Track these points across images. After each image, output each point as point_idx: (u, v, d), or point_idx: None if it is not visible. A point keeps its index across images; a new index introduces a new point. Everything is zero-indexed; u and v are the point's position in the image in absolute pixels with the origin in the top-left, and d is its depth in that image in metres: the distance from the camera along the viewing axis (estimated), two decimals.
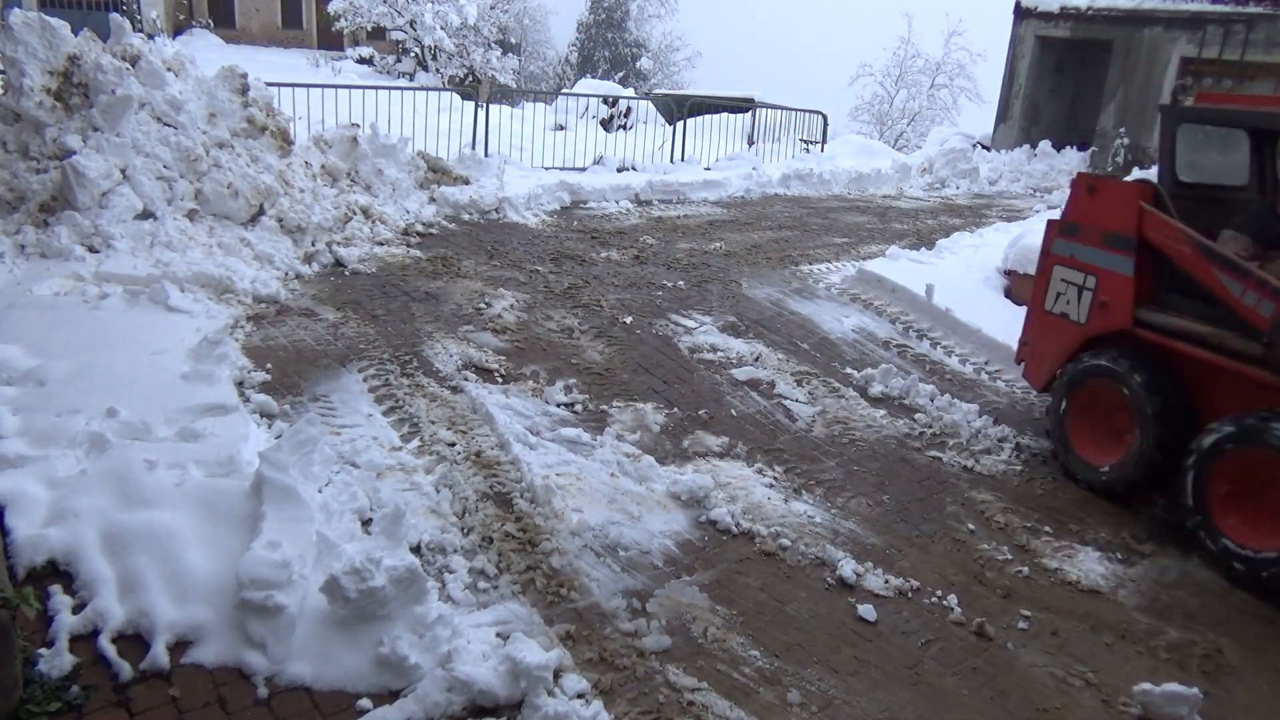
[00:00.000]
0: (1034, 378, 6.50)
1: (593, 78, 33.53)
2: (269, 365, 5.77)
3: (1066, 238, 6.09)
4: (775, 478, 5.46)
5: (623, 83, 32.81)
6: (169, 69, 7.99)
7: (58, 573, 3.55)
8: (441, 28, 27.75)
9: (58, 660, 3.15)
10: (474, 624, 3.70)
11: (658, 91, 29.05)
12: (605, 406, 5.98)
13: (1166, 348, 5.57)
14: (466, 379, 6.02)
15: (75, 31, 7.70)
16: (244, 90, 8.49)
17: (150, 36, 9.38)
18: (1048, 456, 6.54)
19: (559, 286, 8.12)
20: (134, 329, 5.76)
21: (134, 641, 3.30)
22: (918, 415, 6.61)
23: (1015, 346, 6.76)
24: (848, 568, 4.57)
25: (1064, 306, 6.13)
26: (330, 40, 34.35)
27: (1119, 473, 5.76)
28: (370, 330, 6.61)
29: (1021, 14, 16.55)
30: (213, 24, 33.75)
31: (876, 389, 6.99)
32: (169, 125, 7.68)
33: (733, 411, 6.25)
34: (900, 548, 4.95)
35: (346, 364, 5.99)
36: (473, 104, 13.02)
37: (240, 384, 5.37)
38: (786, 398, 6.61)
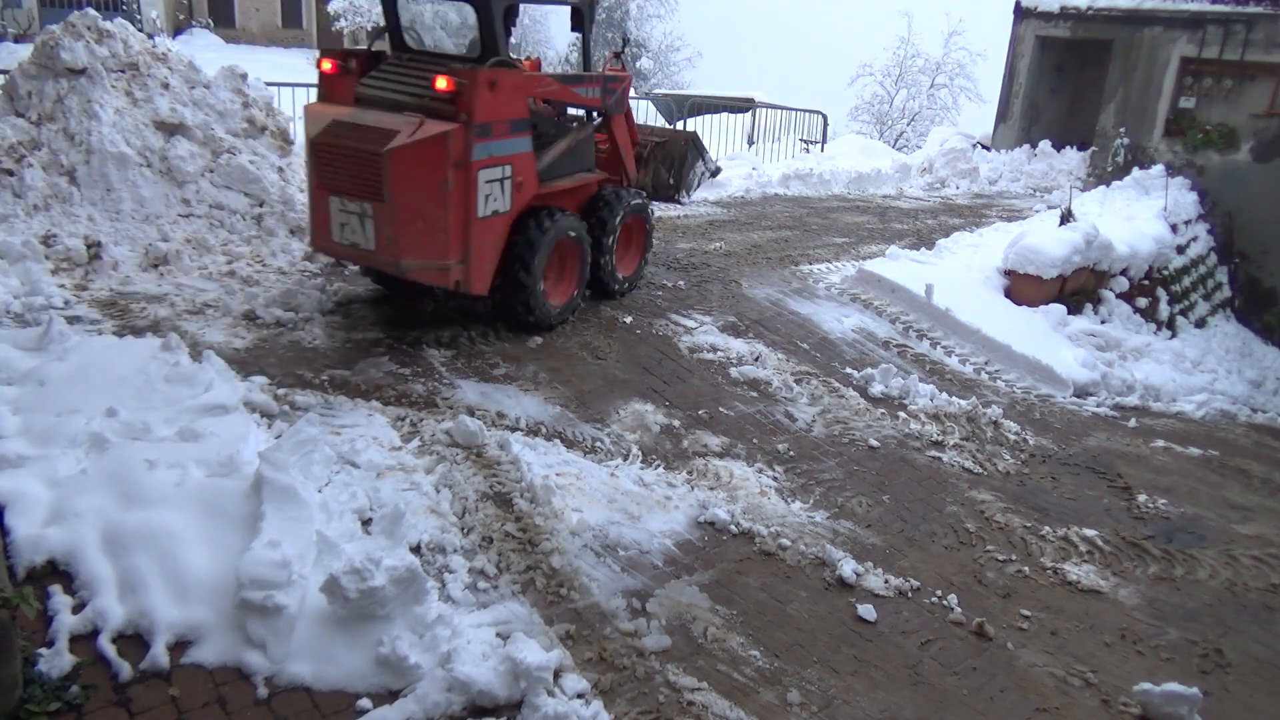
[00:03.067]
0: (479, 284, 6.36)
1: None
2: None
3: (482, 139, 5.99)
4: (775, 477, 5.46)
5: None
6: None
7: (58, 572, 3.55)
8: (441, 28, 27.75)
9: (58, 660, 3.15)
10: (474, 624, 3.69)
11: (658, 91, 29.03)
12: (606, 407, 5.98)
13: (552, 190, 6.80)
14: (467, 379, 6.02)
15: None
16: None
17: (150, 36, 9.36)
18: (1047, 456, 6.55)
19: None
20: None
21: (134, 641, 3.30)
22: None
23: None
24: (848, 568, 4.57)
25: (494, 205, 6.24)
26: (330, 40, 34.32)
27: (572, 305, 7.17)
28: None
29: (1021, 14, 16.54)
30: (212, 24, 33.71)
31: (876, 389, 7.00)
32: None
33: (733, 411, 6.25)
34: (900, 548, 4.95)
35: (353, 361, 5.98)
36: None
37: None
38: (786, 398, 6.61)
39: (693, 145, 8.67)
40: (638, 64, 41.60)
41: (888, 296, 8.88)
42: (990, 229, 11.88)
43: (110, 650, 3.24)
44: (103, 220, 7.30)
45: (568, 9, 7.36)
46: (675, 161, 8.57)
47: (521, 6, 7.32)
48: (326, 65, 6.47)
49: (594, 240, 7.29)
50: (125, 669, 3.18)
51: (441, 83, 5.83)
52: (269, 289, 6.96)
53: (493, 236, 6.31)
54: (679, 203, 9.05)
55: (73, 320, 5.87)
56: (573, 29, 7.54)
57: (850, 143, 18.07)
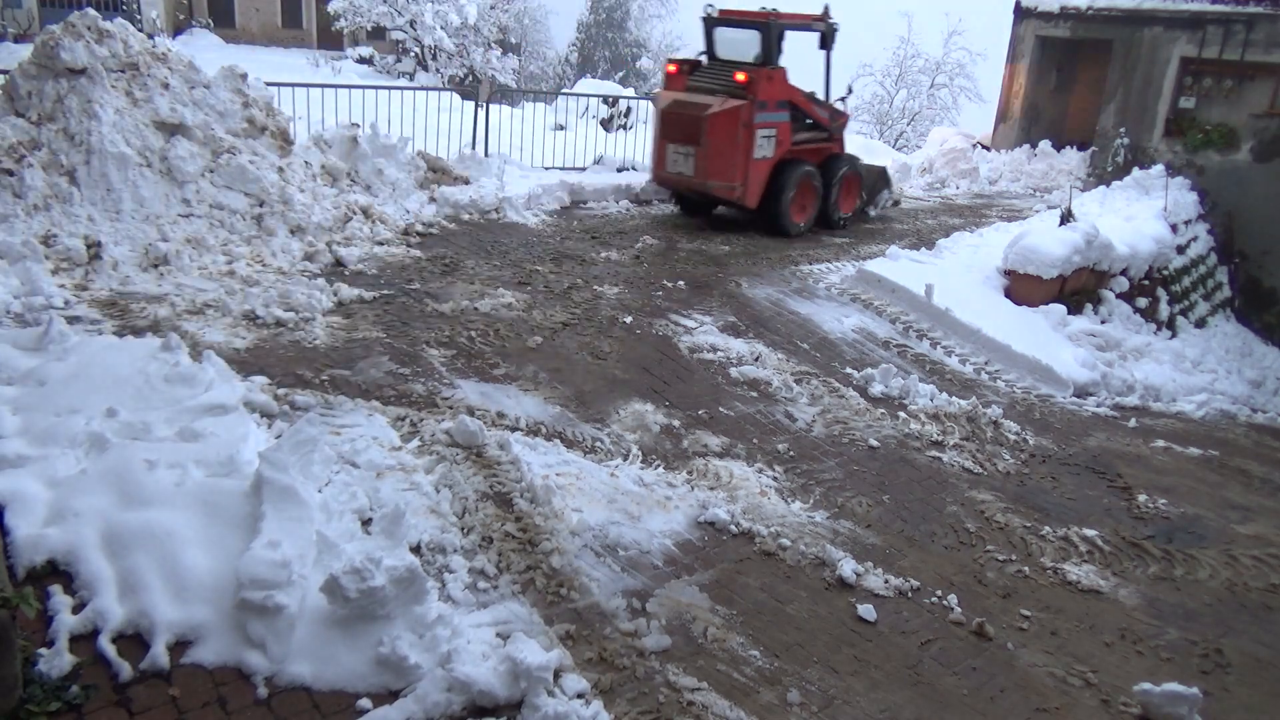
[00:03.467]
0: (751, 200, 10.65)
1: (593, 78, 33.53)
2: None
3: (760, 111, 10.26)
4: (775, 477, 5.47)
5: (623, 83, 32.80)
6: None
7: (58, 572, 3.55)
8: (441, 27, 27.73)
9: (58, 660, 3.15)
10: (474, 624, 3.69)
11: (657, 91, 29.03)
12: (606, 407, 5.98)
13: (800, 151, 11.07)
14: (467, 380, 6.02)
15: None
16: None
17: (150, 36, 9.36)
18: (1047, 456, 6.55)
19: (559, 286, 8.12)
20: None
21: (134, 641, 3.30)
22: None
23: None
24: (848, 567, 4.57)
25: (763, 152, 10.47)
26: (330, 40, 34.32)
27: (808, 223, 11.24)
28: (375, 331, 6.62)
29: (1021, 14, 16.54)
30: (212, 24, 33.71)
31: (876, 389, 7.00)
32: None
33: (733, 411, 6.25)
34: (900, 548, 4.95)
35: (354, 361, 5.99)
36: (473, 104, 13.01)
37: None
38: (786, 398, 6.61)
39: (883, 176, 12.78)
40: (638, 64, 41.58)
41: (888, 296, 8.88)
42: (990, 229, 11.88)
43: (110, 650, 3.23)
44: (103, 220, 7.31)
45: (816, 34, 11.39)
46: (871, 186, 12.42)
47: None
48: (671, 68, 11.17)
49: (824, 185, 11.28)
50: (125, 669, 3.17)
51: (740, 75, 10.22)
52: (269, 289, 6.96)
53: (761, 172, 10.50)
54: (867, 214, 12.61)
55: (73, 320, 5.87)
56: (820, 48, 11.48)
57: (850, 142, 18.06)
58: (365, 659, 3.33)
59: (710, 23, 11.03)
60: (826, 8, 11.32)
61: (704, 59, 11.15)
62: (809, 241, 11.04)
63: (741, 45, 10.75)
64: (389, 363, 6.07)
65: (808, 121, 11.21)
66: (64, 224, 7.12)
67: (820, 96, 11.43)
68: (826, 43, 11.40)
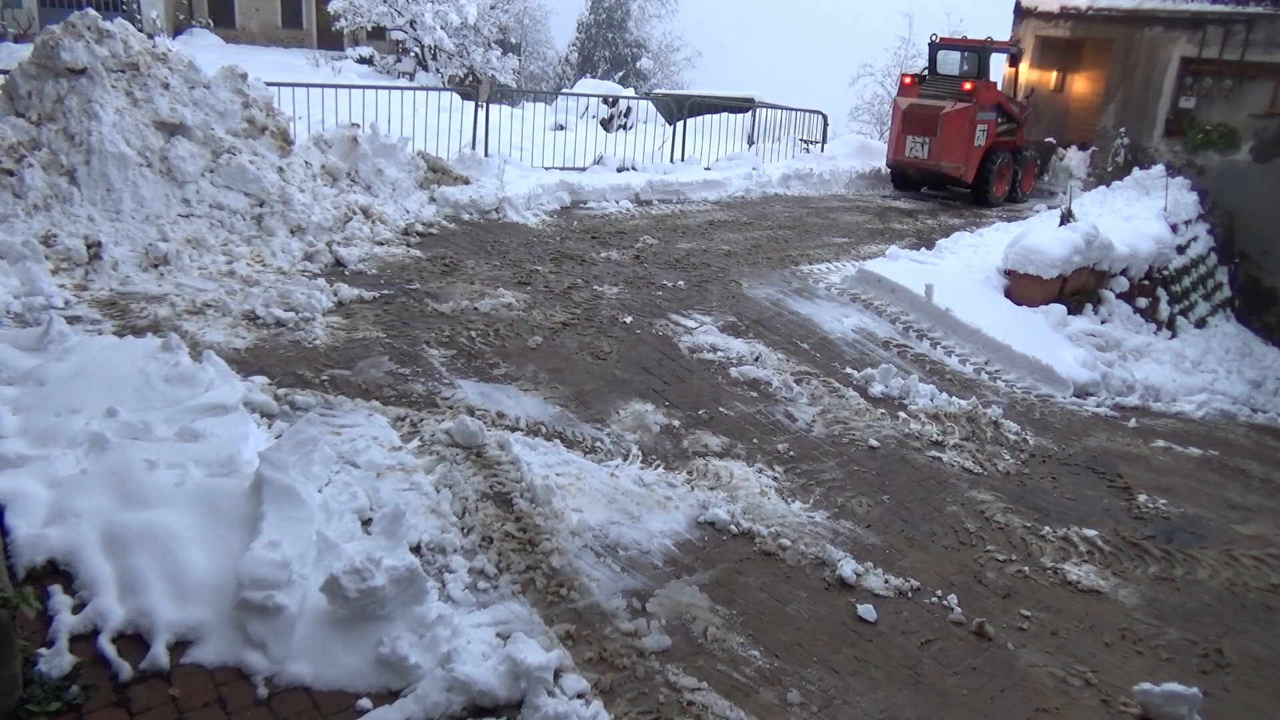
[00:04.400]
0: (969, 176, 14.74)
1: (593, 78, 33.51)
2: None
3: (980, 112, 14.47)
4: (775, 477, 5.47)
5: (623, 83, 32.79)
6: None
7: (58, 572, 3.55)
8: (441, 27, 27.71)
9: (58, 660, 3.15)
10: (474, 624, 3.69)
11: (658, 91, 29.03)
12: (606, 407, 5.98)
13: (1002, 142, 15.04)
14: (467, 380, 6.02)
15: None
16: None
17: (150, 36, 9.37)
18: (1047, 456, 6.55)
19: (559, 286, 8.12)
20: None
21: (134, 641, 3.30)
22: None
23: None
24: (848, 568, 4.57)
25: (979, 141, 14.56)
26: (330, 40, 34.30)
27: (1005, 195, 15.24)
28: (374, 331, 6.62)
29: (1021, 14, 16.54)
30: (212, 24, 33.70)
31: (876, 389, 7.00)
32: None
33: (733, 411, 6.25)
34: (900, 548, 4.95)
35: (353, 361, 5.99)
36: (473, 104, 13.01)
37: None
38: (786, 398, 6.61)
39: (1050, 148, 16.60)
40: (638, 64, 41.57)
41: (888, 296, 8.88)
42: (990, 229, 11.89)
43: (110, 650, 3.23)
44: (103, 220, 7.30)
45: (1006, 54, 15.56)
46: (1044, 159, 16.49)
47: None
48: (907, 79, 15.46)
49: (1015, 167, 15.29)
50: (125, 669, 3.17)
51: (966, 85, 14.40)
52: (269, 289, 6.97)
53: (977, 157, 14.55)
54: (1041, 181, 16.46)
55: (73, 320, 5.87)
56: (1010, 65, 16.03)
57: (850, 143, 18.07)
58: (365, 659, 3.33)
59: (935, 47, 15.48)
60: (1015, 38, 16.49)
61: (926, 73, 15.40)
62: (809, 241, 11.04)
63: (951, 63, 15.12)
64: (389, 363, 6.07)
65: (1004, 119, 15.02)
66: (64, 224, 7.12)
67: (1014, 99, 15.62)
68: (1015, 61, 15.81)
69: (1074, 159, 16.55)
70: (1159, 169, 13.85)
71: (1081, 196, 13.40)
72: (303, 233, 8.13)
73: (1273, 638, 4.70)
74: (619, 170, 13.28)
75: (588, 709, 3.29)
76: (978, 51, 14.85)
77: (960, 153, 14.37)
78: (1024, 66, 16.09)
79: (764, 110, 17.29)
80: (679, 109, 15.67)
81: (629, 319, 7.50)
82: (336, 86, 11.90)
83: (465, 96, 14.83)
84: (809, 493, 5.36)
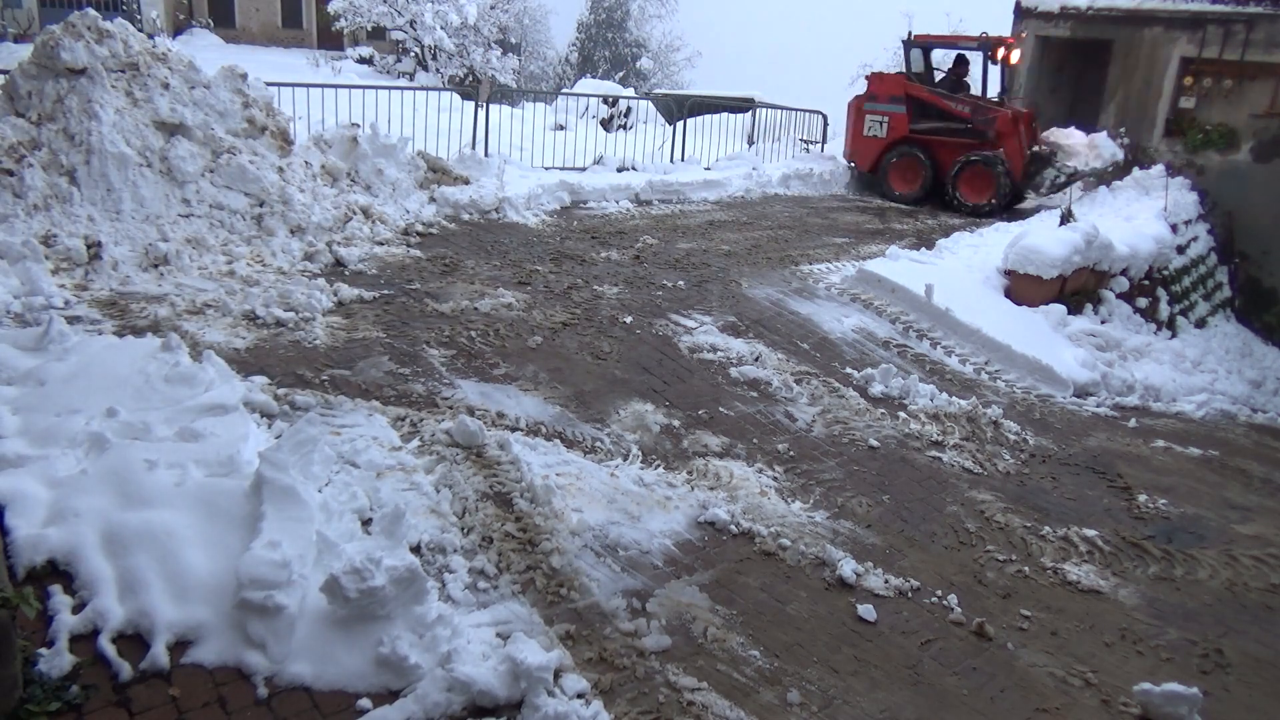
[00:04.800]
0: (862, 165, 15.01)
1: (593, 78, 33.50)
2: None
3: (871, 101, 14.79)
4: (775, 477, 5.46)
5: (623, 83, 32.79)
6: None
7: (58, 572, 3.55)
8: (441, 27, 27.72)
9: (58, 660, 3.14)
10: (474, 624, 3.69)
11: (658, 91, 29.02)
12: (606, 407, 5.98)
13: (923, 139, 14.39)
14: (467, 380, 6.02)
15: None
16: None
17: (150, 36, 9.37)
18: (1047, 456, 6.55)
19: (559, 286, 8.12)
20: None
21: (134, 641, 3.30)
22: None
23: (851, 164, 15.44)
24: (848, 568, 4.57)
25: (875, 131, 14.69)
26: (330, 40, 34.31)
27: (913, 194, 14.41)
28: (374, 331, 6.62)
29: (1021, 14, 16.54)
30: (213, 24, 33.71)
31: (876, 389, 7.00)
32: None
33: (733, 411, 6.25)
34: (900, 548, 4.95)
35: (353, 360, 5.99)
36: (473, 104, 13.01)
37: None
38: (786, 398, 6.61)
39: (1042, 159, 14.42)
40: (638, 64, 41.56)
41: (888, 296, 8.88)
42: (990, 229, 11.88)
43: (110, 650, 3.23)
44: (103, 220, 7.31)
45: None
46: (1031, 171, 14.55)
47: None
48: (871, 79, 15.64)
49: (939, 168, 14.63)
50: (125, 669, 3.17)
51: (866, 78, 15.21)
52: (269, 289, 6.97)
53: (870, 149, 15.12)
54: (1022, 199, 15.01)
55: (73, 320, 5.87)
56: (993, 62, 14.55)
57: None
58: (365, 659, 3.33)
59: (906, 45, 15.13)
60: (1018, 33, 15.53)
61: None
62: (809, 241, 11.04)
63: (915, 60, 14.85)
64: (389, 363, 6.07)
65: (942, 117, 14.21)
66: (64, 224, 7.12)
67: (988, 98, 14.53)
68: (994, 57, 14.35)
69: (1102, 145, 14.32)
70: (1159, 169, 13.84)
71: (1081, 196, 13.40)
72: (303, 233, 8.13)
73: (1273, 638, 4.70)
74: (619, 170, 13.28)
75: (588, 709, 3.29)
76: (922, 47, 15.01)
77: (849, 144, 15.15)
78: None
79: (764, 110, 17.29)
80: (679, 109, 15.67)
81: (629, 319, 7.50)
82: (336, 86, 11.90)
83: (465, 96, 14.83)
84: (809, 493, 5.36)
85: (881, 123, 14.47)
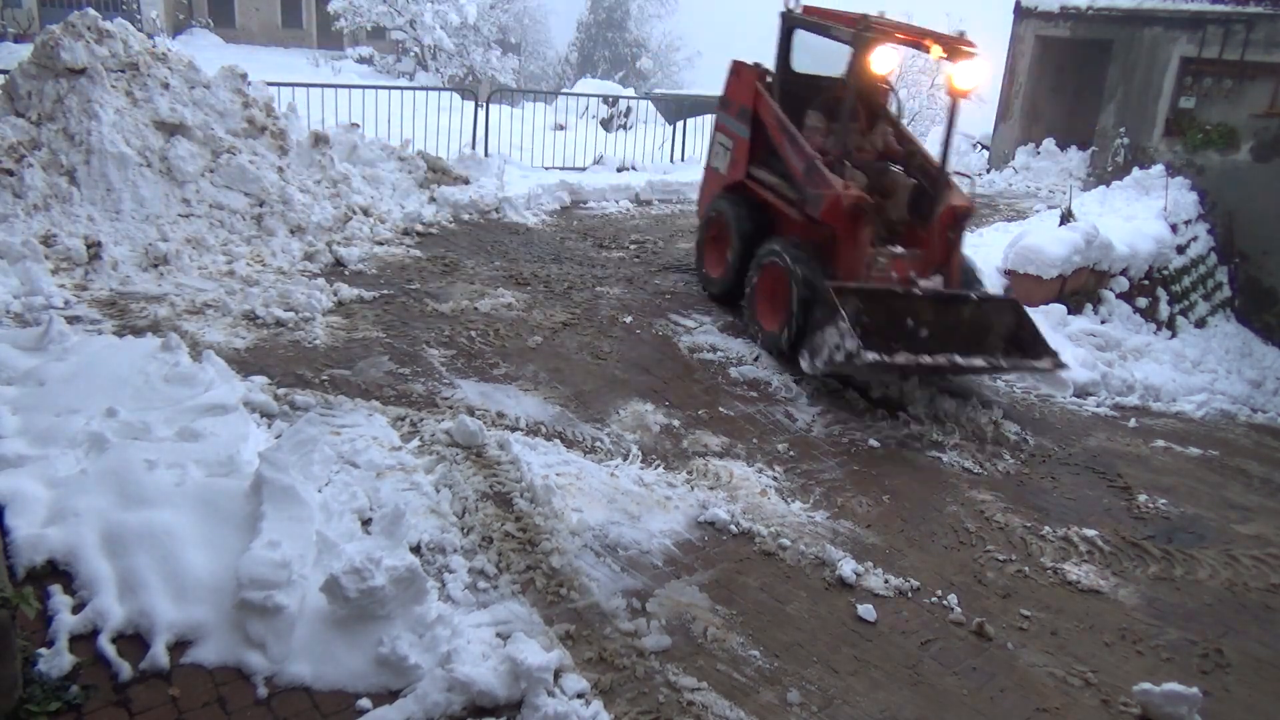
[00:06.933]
0: (700, 210, 8.86)
1: (593, 78, 33.51)
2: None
3: (723, 110, 8.39)
4: (775, 477, 5.46)
5: (622, 83, 32.79)
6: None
7: (57, 572, 3.55)
8: (441, 27, 27.75)
9: (57, 660, 3.14)
10: (474, 624, 3.69)
11: (657, 91, 29.02)
12: (606, 407, 5.98)
13: (759, 193, 7.90)
14: (468, 380, 6.02)
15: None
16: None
17: (150, 36, 9.37)
18: (1047, 456, 6.55)
19: (559, 286, 8.11)
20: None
21: (134, 641, 3.30)
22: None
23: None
24: (848, 567, 4.57)
25: (718, 162, 8.50)
26: (330, 40, 34.33)
27: (720, 281, 8.12)
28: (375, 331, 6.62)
29: (1021, 14, 16.53)
30: (212, 23, 33.71)
31: (876, 389, 6.99)
32: None
33: (733, 411, 6.25)
34: (900, 548, 4.95)
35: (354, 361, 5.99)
36: (473, 104, 13.01)
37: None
38: (786, 398, 6.61)
39: (833, 316, 6.47)
40: (638, 64, 41.56)
41: None
42: (990, 229, 11.87)
43: (110, 650, 3.23)
44: (103, 220, 7.31)
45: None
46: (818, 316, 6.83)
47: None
48: None
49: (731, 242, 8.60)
50: (125, 669, 3.17)
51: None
52: (269, 289, 6.97)
53: (711, 184, 8.90)
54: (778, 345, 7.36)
55: (73, 320, 5.87)
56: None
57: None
58: (365, 659, 3.33)
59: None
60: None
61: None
62: None
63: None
64: (389, 363, 6.07)
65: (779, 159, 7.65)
66: (64, 224, 7.12)
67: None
68: (861, 50, 7.20)
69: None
70: (1159, 169, 13.84)
71: (1081, 196, 13.40)
72: (302, 232, 8.13)
73: (1273, 638, 4.70)
74: (619, 170, 13.27)
75: (588, 709, 3.29)
76: (809, 27, 7.92)
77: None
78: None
79: None
80: (679, 109, 15.67)
81: (629, 319, 7.50)
82: (336, 86, 11.90)
83: (465, 96, 14.83)
84: (809, 493, 5.36)
85: (726, 149, 8.35)
